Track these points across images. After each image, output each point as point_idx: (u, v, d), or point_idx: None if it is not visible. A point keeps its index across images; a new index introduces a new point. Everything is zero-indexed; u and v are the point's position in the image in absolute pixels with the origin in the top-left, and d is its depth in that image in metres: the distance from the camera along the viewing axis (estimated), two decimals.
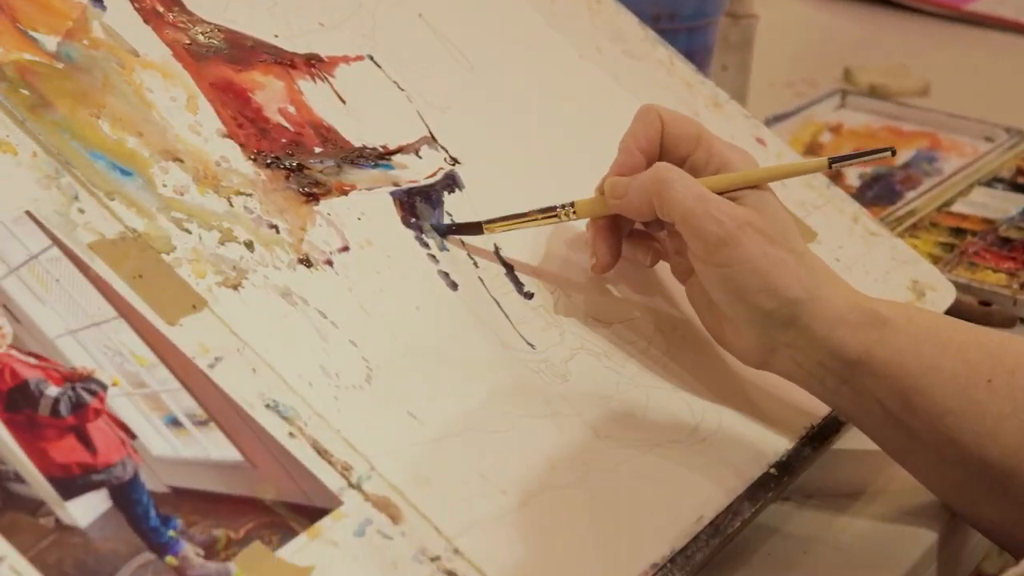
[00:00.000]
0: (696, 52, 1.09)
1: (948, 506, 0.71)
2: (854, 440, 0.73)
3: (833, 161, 0.69)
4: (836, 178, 1.11)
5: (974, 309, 0.91)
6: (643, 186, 0.68)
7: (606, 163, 0.72)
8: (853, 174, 1.11)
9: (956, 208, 1.04)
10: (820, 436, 0.72)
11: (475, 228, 0.71)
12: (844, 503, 0.73)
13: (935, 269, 0.87)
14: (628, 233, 0.73)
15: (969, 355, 0.67)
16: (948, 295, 0.85)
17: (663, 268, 0.74)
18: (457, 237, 0.71)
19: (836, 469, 0.75)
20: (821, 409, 0.73)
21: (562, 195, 0.74)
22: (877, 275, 0.84)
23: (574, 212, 0.71)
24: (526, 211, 0.72)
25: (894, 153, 0.68)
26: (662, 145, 0.71)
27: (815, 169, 0.72)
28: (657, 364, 0.71)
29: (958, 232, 1.00)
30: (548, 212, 0.71)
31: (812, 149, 1.17)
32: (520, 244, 0.73)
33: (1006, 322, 0.90)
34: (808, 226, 0.85)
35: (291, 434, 0.59)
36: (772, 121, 1.20)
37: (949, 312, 0.88)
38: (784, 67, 1.36)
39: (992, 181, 1.09)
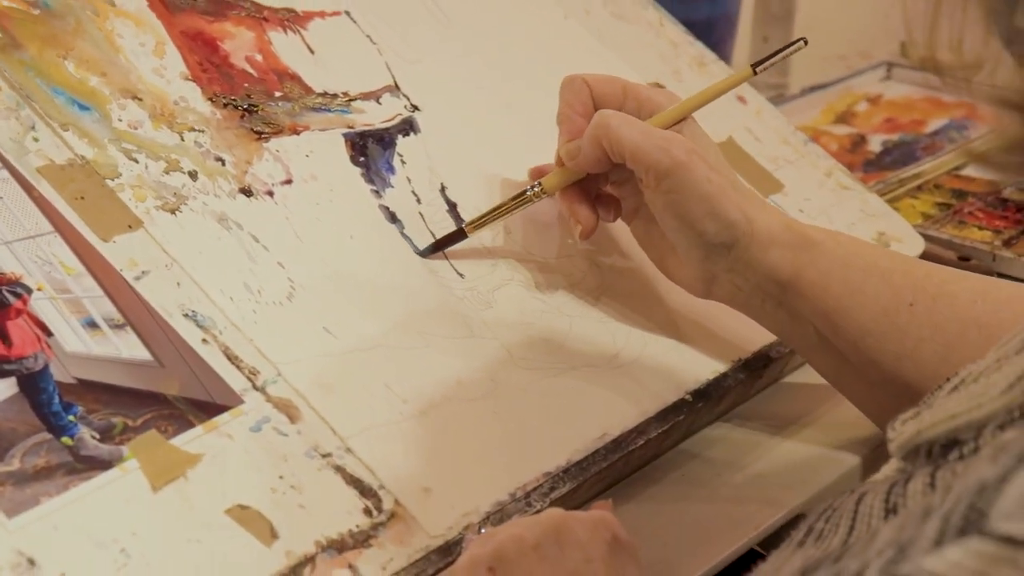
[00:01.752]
0: (718, 20, 1.12)
1: (881, 429, 0.73)
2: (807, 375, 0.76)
3: (756, 65, 0.72)
4: (859, 143, 1.13)
5: (951, 263, 0.92)
6: (591, 136, 0.72)
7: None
8: (876, 141, 1.13)
9: (966, 172, 1.05)
10: (748, 368, 0.75)
11: (459, 235, 0.74)
12: (775, 431, 0.75)
13: (904, 221, 0.89)
14: (598, 197, 0.77)
15: (894, 280, 0.69)
16: (915, 247, 0.87)
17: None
18: (404, 175, 0.76)
19: (780, 400, 0.78)
20: (751, 344, 0.75)
21: (519, 142, 0.79)
22: (840, 225, 0.86)
23: (542, 190, 0.74)
24: (499, 203, 0.75)
25: (806, 43, 0.71)
26: (595, 106, 0.74)
27: (740, 80, 0.75)
28: (588, 295, 0.75)
29: (960, 194, 1.02)
30: (520, 197, 0.74)
31: (845, 118, 1.19)
32: (467, 185, 0.77)
33: None
34: (776, 179, 0.87)
35: (204, 340, 0.64)
36: (809, 91, 1.22)
37: None
38: (839, 40, 1.37)
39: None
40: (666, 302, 0.76)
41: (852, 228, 0.86)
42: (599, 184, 0.76)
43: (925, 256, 0.89)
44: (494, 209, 0.75)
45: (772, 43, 1.23)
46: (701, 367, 0.74)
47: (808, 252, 0.69)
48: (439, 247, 0.73)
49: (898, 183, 1.03)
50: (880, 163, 1.08)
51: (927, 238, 0.91)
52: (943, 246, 0.93)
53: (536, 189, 0.74)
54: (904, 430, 0.53)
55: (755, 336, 0.76)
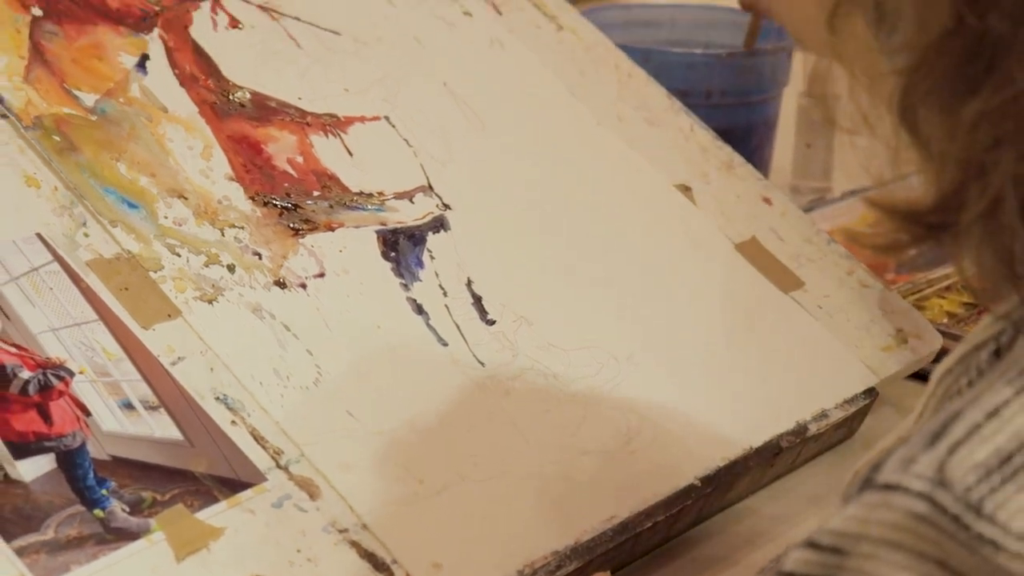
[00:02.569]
0: (756, 126, 1.16)
1: None
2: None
3: None
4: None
5: None
6: None
7: (597, 219, 0.80)
8: None
9: None
10: (759, 455, 0.78)
11: None
12: (792, 515, 0.78)
13: (923, 319, 0.91)
14: None
15: None
16: (933, 344, 0.90)
17: (629, 298, 0.82)
18: (432, 270, 0.80)
19: (797, 487, 0.81)
20: (762, 432, 0.79)
21: (544, 240, 0.83)
22: (859, 323, 0.89)
23: None
24: None
25: None
26: None
27: None
28: (605, 385, 0.78)
29: None
30: None
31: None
32: (491, 279, 0.81)
33: None
34: (797, 276, 0.91)
35: (233, 422, 0.69)
36: (850, 194, 1.25)
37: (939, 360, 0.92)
38: None
39: None
40: (680, 392, 0.79)
41: (871, 325, 0.89)
42: None
43: (943, 353, 0.92)
44: None
45: (815, 149, 1.26)
46: (712, 453, 0.77)
47: None
48: None
49: (927, 283, 1.06)
50: (913, 263, 1.11)
51: (950, 336, 0.94)
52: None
53: None
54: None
55: (767, 425, 0.80)
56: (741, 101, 1.13)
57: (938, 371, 0.55)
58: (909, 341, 0.89)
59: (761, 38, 1.21)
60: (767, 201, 0.96)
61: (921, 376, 0.93)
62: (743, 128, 1.14)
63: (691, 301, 0.86)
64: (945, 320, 1.00)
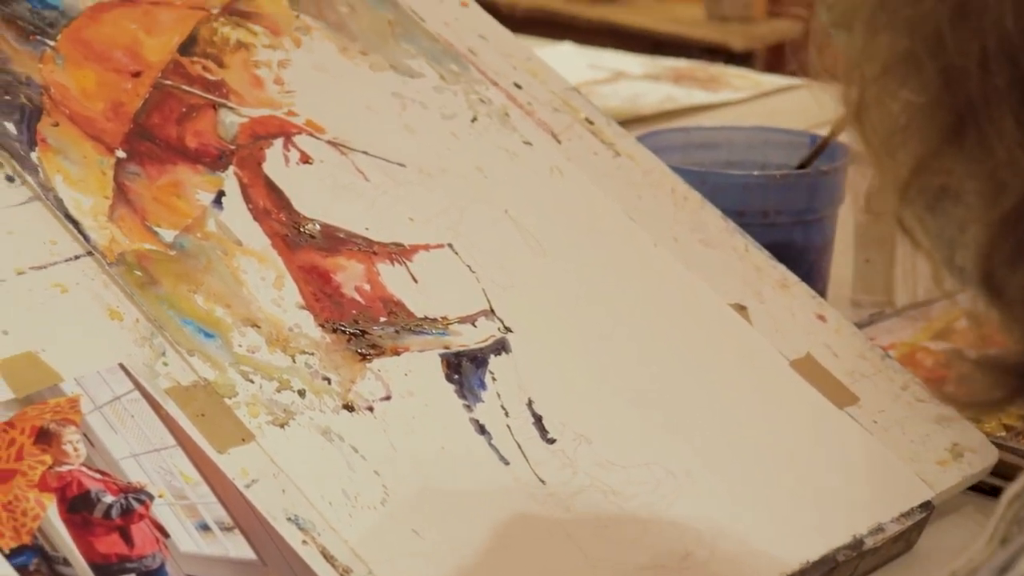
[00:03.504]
0: (813, 243, 1.18)
1: None
2: None
3: None
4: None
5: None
6: None
7: (654, 340, 0.83)
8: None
9: None
10: (816, 569, 0.80)
11: None
12: None
13: (978, 432, 0.93)
14: None
15: None
16: (988, 457, 0.92)
17: (686, 416, 0.85)
18: (495, 391, 0.84)
19: None
20: (819, 546, 0.81)
21: (603, 360, 0.87)
22: (914, 437, 0.91)
23: None
24: None
25: None
26: None
27: None
28: (662, 501, 0.81)
29: None
30: None
31: (944, 334, 1.23)
32: (552, 398, 0.85)
33: None
34: (852, 392, 0.93)
35: (304, 542, 0.72)
36: (910, 308, 1.27)
37: (1002, 474, 0.94)
38: None
39: None
40: (736, 508, 0.81)
41: (926, 440, 0.91)
42: None
43: (1005, 467, 0.93)
44: None
45: (874, 264, 1.29)
46: (769, 569, 0.79)
47: None
48: None
49: None
50: None
51: (1006, 449, 0.96)
52: (1021, 456, 0.97)
53: None
54: None
55: (823, 539, 0.82)
56: (797, 220, 1.16)
57: (1008, 494, 0.54)
58: (965, 455, 0.91)
59: (818, 158, 1.24)
60: (821, 318, 0.99)
61: (979, 488, 0.95)
62: (800, 246, 1.17)
63: (747, 417, 0.88)
64: (1003, 433, 1.02)
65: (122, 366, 0.76)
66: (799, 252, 1.15)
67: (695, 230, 1.02)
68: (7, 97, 0.85)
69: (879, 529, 0.85)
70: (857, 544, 0.83)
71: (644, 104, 1.97)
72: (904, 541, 0.88)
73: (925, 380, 0.98)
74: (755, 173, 1.18)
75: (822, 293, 1.17)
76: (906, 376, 0.96)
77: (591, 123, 1.06)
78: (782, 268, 1.02)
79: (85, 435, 0.72)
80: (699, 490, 0.82)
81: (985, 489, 0.96)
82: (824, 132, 1.46)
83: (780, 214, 1.15)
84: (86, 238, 0.81)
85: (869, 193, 1.27)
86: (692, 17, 4.22)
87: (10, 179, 0.82)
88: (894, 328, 1.23)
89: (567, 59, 2.20)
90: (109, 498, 0.70)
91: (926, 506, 0.88)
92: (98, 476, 0.71)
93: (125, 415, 0.74)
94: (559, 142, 1.03)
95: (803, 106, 1.99)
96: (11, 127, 0.84)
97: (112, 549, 0.68)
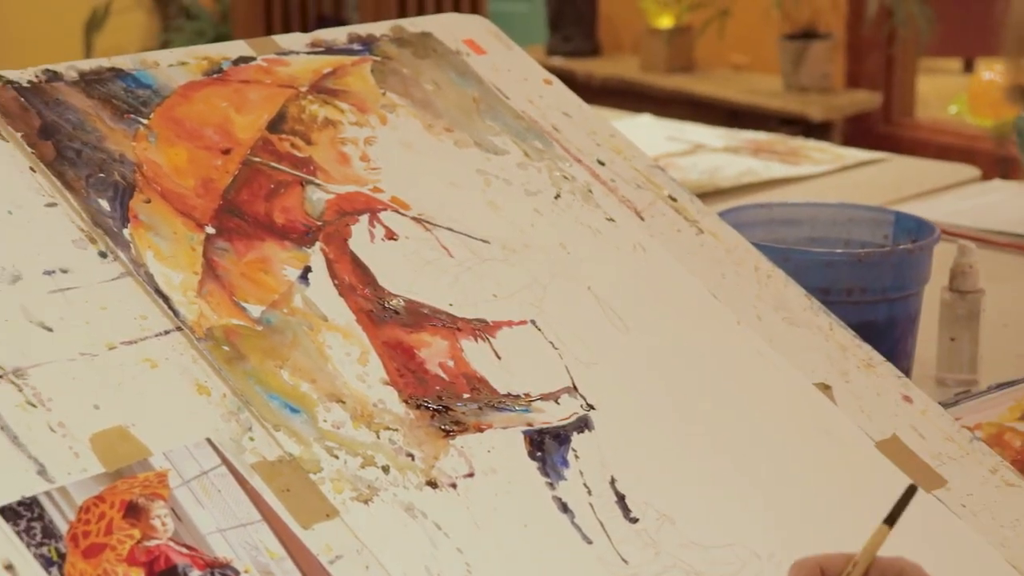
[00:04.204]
0: (898, 321, 1.18)
1: None
2: None
3: (888, 521, 0.80)
4: None
5: None
6: None
7: (736, 418, 0.83)
8: None
9: None
10: None
11: None
12: None
13: None
14: None
15: None
16: None
17: (769, 496, 0.84)
18: (577, 469, 0.84)
19: None
20: None
21: (683, 440, 0.86)
22: (1004, 522, 0.90)
23: None
24: None
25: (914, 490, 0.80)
26: None
27: (882, 538, 0.80)
28: None
29: None
30: None
31: None
32: (634, 477, 0.84)
33: None
34: (939, 475, 0.92)
35: None
36: (996, 388, 1.25)
37: None
38: None
39: None
40: None
41: (1017, 524, 0.90)
42: None
43: None
44: None
45: (959, 343, 1.27)
46: None
47: None
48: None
49: None
50: None
51: None
52: None
53: None
54: None
55: None
56: (882, 298, 1.15)
57: None
58: None
59: (903, 234, 1.24)
60: (907, 399, 0.98)
61: None
62: (884, 323, 1.16)
63: (832, 500, 0.88)
64: None
65: (209, 441, 0.77)
66: (883, 330, 1.15)
67: (779, 308, 1.01)
68: (101, 175, 0.87)
69: None
70: None
71: (723, 177, 1.97)
72: None
73: (1013, 462, 0.96)
74: (839, 251, 1.18)
75: (907, 372, 1.16)
76: (995, 459, 0.95)
77: (674, 200, 1.07)
78: (867, 347, 1.01)
79: (173, 509, 0.73)
80: (783, 573, 0.82)
81: None
82: (906, 208, 1.45)
83: (865, 292, 1.14)
84: (176, 313, 0.82)
85: (955, 270, 1.26)
86: (770, 88, 4.22)
87: (103, 255, 0.83)
88: (980, 408, 1.21)
89: (646, 131, 2.22)
90: (196, 573, 0.71)
91: None
92: (185, 551, 0.71)
93: (212, 490, 0.75)
94: (642, 219, 1.04)
95: (884, 179, 1.99)
96: (105, 204, 0.86)
97: None
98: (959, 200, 1.87)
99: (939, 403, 1.01)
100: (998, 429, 1.18)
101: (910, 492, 0.81)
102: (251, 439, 0.78)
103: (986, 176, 2.01)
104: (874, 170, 2.04)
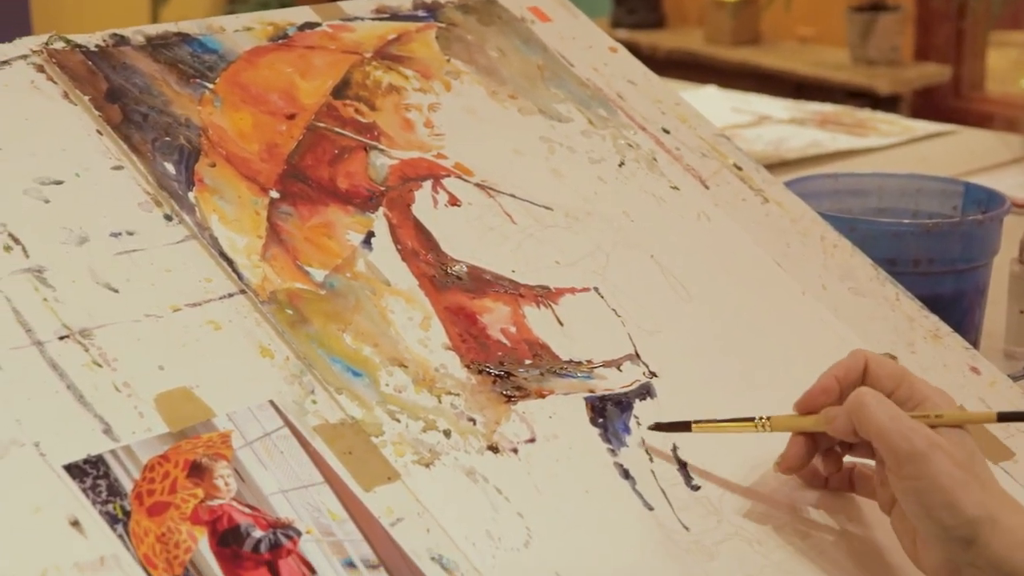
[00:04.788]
0: (966, 293, 1.16)
1: None
2: None
3: (1001, 416, 0.79)
4: None
5: None
6: (846, 408, 0.78)
7: (801, 388, 0.82)
8: None
9: None
10: None
11: (684, 427, 0.83)
12: None
13: None
14: (826, 451, 0.83)
15: None
16: None
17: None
18: (639, 435, 0.83)
19: None
20: None
21: (748, 408, 0.86)
22: None
23: (769, 425, 0.82)
24: (729, 418, 0.83)
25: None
26: (866, 381, 0.80)
27: (984, 419, 0.81)
28: (806, 557, 0.80)
29: None
30: (745, 421, 0.82)
31: None
32: (696, 445, 0.84)
33: None
34: (1006, 447, 0.91)
35: None
36: None
37: None
38: None
39: None
40: (888, 561, 0.80)
41: None
42: (831, 443, 0.82)
43: None
44: (722, 421, 0.82)
45: None
46: None
47: None
48: (662, 429, 0.83)
49: None
50: None
51: None
52: None
53: (763, 420, 0.81)
54: None
55: None
56: (950, 269, 1.14)
57: None
58: None
59: (972, 206, 1.22)
60: (975, 371, 0.97)
61: None
62: (952, 295, 1.15)
63: None
64: None
65: (272, 403, 0.77)
66: (951, 302, 1.14)
67: (845, 278, 1.00)
68: (167, 138, 0.88)
69: None
70: None
71: (789, 149, 1.96)
72: None
73: None
74: (907, 221, 1.17)
75: (974, 344, 1.15)
76: None
77: (739, 169, 1.06)
78: (934, 318, 1.00)
79: (236, 470, 0.74)
80: (848, 544, 0.81)
81: None
82: (976, 180, 1.44)
83: (933, 263, 1.13)
84: (240, 276, 0.83)
85: None
86: (836, 60, 4.18)
87: (168, 218, 0.84)
88: None
89: (711, 102, 2.20)
90: (258, 533, 0.71)
91: None
92: (248, 511, 0.72)
93: (275, 451, 0.75)
94: (707, 187, 1.03)
95: (953, 152, 1.97)
96: (170, 167, 0.86)
97: None
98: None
99: (1007, 376, 1.00)
100: None
101: None
102: (313, 402, 0.78)
103: None
104: (943, 143, 2.02)
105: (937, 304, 1.05)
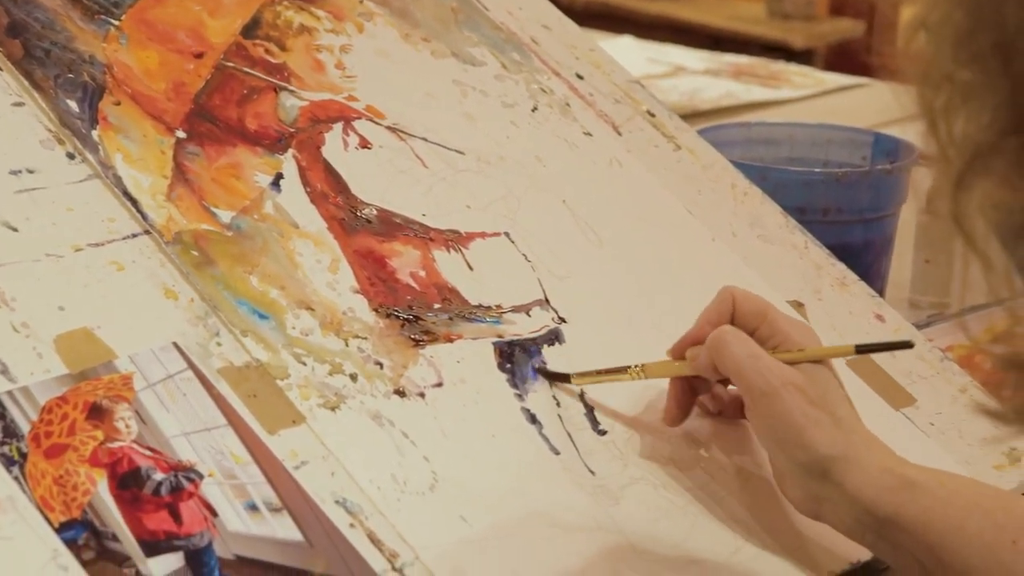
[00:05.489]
0: (874, 242, 1.17)
1: None
2: None
3: (859, 349, 0.79)
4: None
5: None
6: (707, 346, 0.79)
7: None
8: None
9: None
10: (865, 572, 0.79)
11: (564, 378, 0.83)
12: None
13: None
14: (712, 393, 0.83)
15: (996, 517, 0.73)
16: None
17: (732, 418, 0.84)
18: (546, 381, 0.83)
19: None
20: (867, 551, 0.80)
21: (657, 353, 0.86)
22: (972, 440, 0.90)
23: (643, 372, 0.82)
24: (607, 368, 0.83)
25: (912, 346, 0.81)
26: (733, 320, 0.81)
27: (841, 353, 0.81)
28: (711, 498, 0.80)
29: None
30: (621, 370, 0.82)
31: (1003, 338, 1.22)
32: (605, 390, 0.84)
33: None
34: (909, 393, 0.92)
35: (352, 524, 0.72)
36: (969, 310, 1.25)
37: None
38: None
39: None
40: (784, 508, 0.81)
41: (983, 443, 0.90)
42: (709, 386, 0.82)
43: None
44: (599, 372, 0.82)
45: (934, 266, 1.27)
46: (818, 567, 0.78)
47: (908, 492, 0.73)
48: (546, 376, 0.83)
49: None
50: None
51: None
52: None
53: (637, 369, 0.81)
54: None
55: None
56: (858, 218, 1.15)
57: None
58: (1022, 460, 0.90)
59: (881, 156, 1.23)
60: (880, 318, 0.98)
61: None
62: (860, 244, 1.16)
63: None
64: None
65: (176, 345, 0.76)
66: (859, 251, 1.14)
67: (754, 226, 1.01)
68: (70, 75, 0.86)
69: None
70: None
71: (703, 99, 1.96)
72: None
73: (984, 383, 0.96)
74: (817, 171, 1.17)
75: (880, 293, 1.16)
76: (964, 379, 0.95)
77: (652, 116, 1.06)
78: (841, 267, 1.01)
79: (137, 412, 0.73)
80: (751, 486, 0.82)
81: None
82: (888, 131, 1.45)
83: (841, 212, 1.14)
84: (144, 217, 0.81)
85: (932, 193, 1.25)
86: (753, 14, 4.19)
87: (71, 156, 0.82)
88: (952, 330, 1.21)
89: (627, 52, 2.19)
90: (159, 475, 0.70)
91: None
92: (149, 453, 0.71)
93: (177, 394, 0.74)
94: (619, 134, 1.03)
95: (865, 105, 1.98)
96: (73, 105, 0.84)
97: (161, 526, 0.68)
98: None
99: (912, 324, 1.01)
100: (969, 351, 1.18)
101: (904, 344, 0.81)
102: (218, 344, 0.77)
103: None
104: (855, 95, 2.03)
105: (845, 253, 1.06)
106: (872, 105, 1.97)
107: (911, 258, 1.27)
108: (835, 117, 1.88)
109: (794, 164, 1.22)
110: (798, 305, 0.95)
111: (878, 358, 0.93)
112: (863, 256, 1.15)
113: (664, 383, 0.83)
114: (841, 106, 1.96)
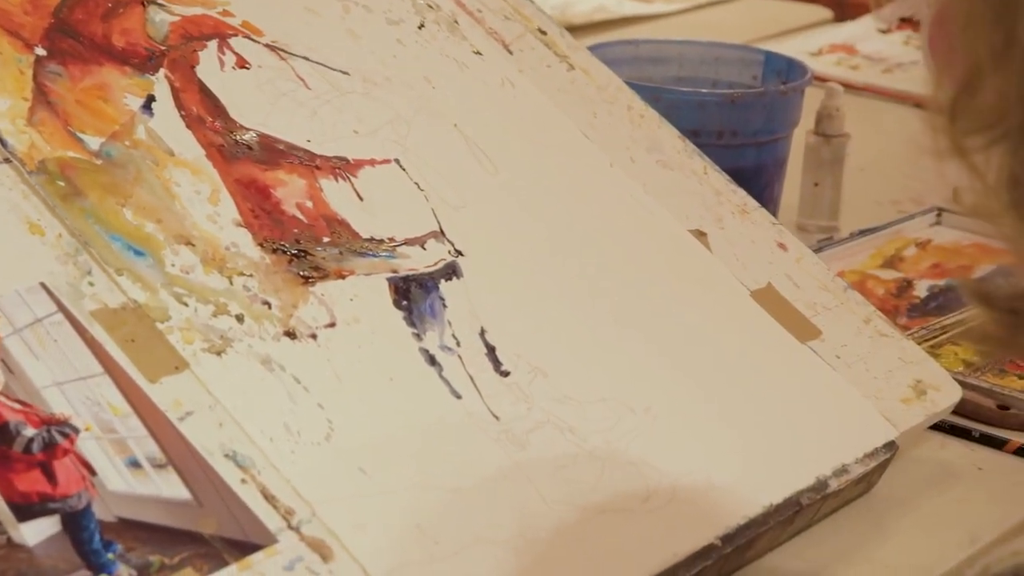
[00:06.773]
0: (767, 166, 1.14)
1: None
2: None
3: None
4: (905, 288, 1.15)
5: (991, 412, 0.93)
6: None
7: (608, 262, 0.78)
8: (923, 286, 1.14)
9: None
10: (779, 513, 0.76)
11: None
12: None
13: (942, 370, 0.90)
14: None
15: None
16: (952, 395, 0.88)
17: (644, 349, 0.80)
18: (445, 319, 0.78)
19: (812, 545, 0.79)
20: (782, 489, 0.77)
21: (559, 286, 0.82)
22: (878, 373, 0.87)
23: None
24: None
25: None
26: None
27: None
28: (621, 441, 0.76)
29: None
30: None
31: (893, 263, 1.20)
32: (506, 328, 0.79)
33: (1020, 425, 0.92)
34: (814, 325, 0.89)
35: (243, 480, 0.66)
36: (859, 234, 1.23)
37: (962, 412, 0.91)
38: (892, 186, 1.39)
39: None
40: (698, 446, 0.77)
41: (890, 376, 0.87)
42: None
43: (964, 404, 0.90)
44: None
45: (823, 188, 1.24)
46: (731, 512, 0.75)
47: None
48: None
49: (941, 329, 1.04)
50: (925, 308, 1.09)
51: (967, 386, 0.92)
52: (983, 394, 0.94)
53: None
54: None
55: (787, 481, 0.78)
56: (752, 141, 1.12)
57: None
58: (928, 392, 0.88)
59: (772, 75, 1.20)
60: (782, 247, 0.94)
61: (939, 427, 0.92)
62: (753, 168, 1.13)
63: (707, 352, 0.84)
64: (961, 368, 0.99)
65: (43, 285, 0.70)
66: (752, 175, 1.11)
67: (652, 150, 0.96)
68: None
69: (843, 471, 0.81)
70: (821, 486, 0.79)
71: (575, 14, 1.90)
72: (866, 482, 0.85)
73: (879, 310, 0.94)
74: (711, 91, 1.13)
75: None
76: (868, 309, 0.92)
77: (544, 33, 1.00)
78: (742, 193, 0.97)
79: (3, 361, 0.66)
80: (660, 427, 0.78)
81: (944, 428, 0.93)
82: (769, 46, 1.41)
83: (736, 135, 1.10)
84: (3, 143, 0.74)
85: (820, 114, 1.22)
86: None
87: None
88: (842, 255, 1.19)
89: None
90: (30, 431, 0.64)
91: (890, 446, 0.84)
92: (18, 407, 0.65)
93: (47, 339, 0.68)
94: (511, 53, 0.97)
95: (740, 20, 1.94)
96: None
97: (33, 487, 0.62)
98: (813, 40, 1.83)
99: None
100: (861, 277, 1.16)
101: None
102: (91, 284, 0.71)
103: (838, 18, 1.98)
104: (728, 10, 1.99)
105: (739, 177, 1.02)
106: (746, 20, 1.94)
107: (800, 181, 1.25)
108: (709, 32, 1.84)
109: (684, 84, 1.18)
110: (700, 234, 0.91)
111: (783, 288, 0.90)
112: (756, 180, 1.12)
113: (573, 323, 0.79)
114: (713, 21, 1.92)
